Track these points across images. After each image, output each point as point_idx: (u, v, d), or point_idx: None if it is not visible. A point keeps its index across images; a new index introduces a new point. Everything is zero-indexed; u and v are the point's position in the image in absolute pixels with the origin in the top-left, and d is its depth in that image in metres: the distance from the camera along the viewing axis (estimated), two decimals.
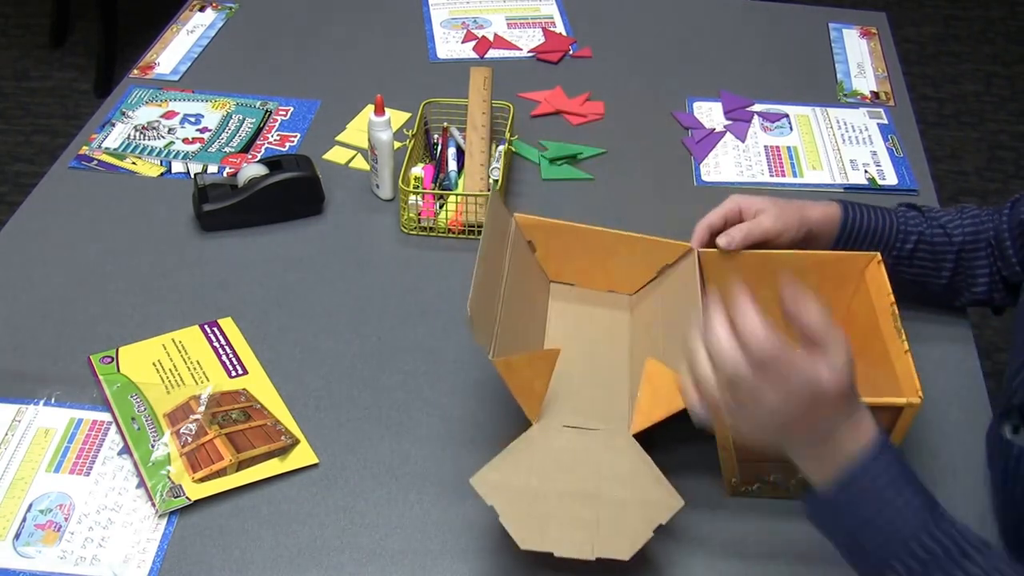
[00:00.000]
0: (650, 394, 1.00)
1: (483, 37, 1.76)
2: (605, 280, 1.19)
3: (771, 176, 1.46)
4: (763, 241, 1.11)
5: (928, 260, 1.16)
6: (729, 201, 1.14)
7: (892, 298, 1.04)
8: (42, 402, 1.12)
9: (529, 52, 1.73)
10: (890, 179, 1.45)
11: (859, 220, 1.15)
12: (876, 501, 0.80)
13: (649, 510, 0.93)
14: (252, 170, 1.36)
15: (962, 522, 0.82)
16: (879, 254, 1.10)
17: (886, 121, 1.57)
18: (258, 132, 1.53)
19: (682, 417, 0.98)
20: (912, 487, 0.81)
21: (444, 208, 1.36)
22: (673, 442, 1.02)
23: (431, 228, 1.36)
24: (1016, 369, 0.99)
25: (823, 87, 1.65)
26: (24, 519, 1.01)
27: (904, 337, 1.00)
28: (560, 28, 1.79)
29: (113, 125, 1.54)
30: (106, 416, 1.11)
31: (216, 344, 1.19)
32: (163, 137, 1.52)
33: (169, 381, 1.14)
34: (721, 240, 1.11)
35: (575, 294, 1.20)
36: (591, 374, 1.11)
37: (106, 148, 1.49)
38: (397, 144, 1.42)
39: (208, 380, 1.14)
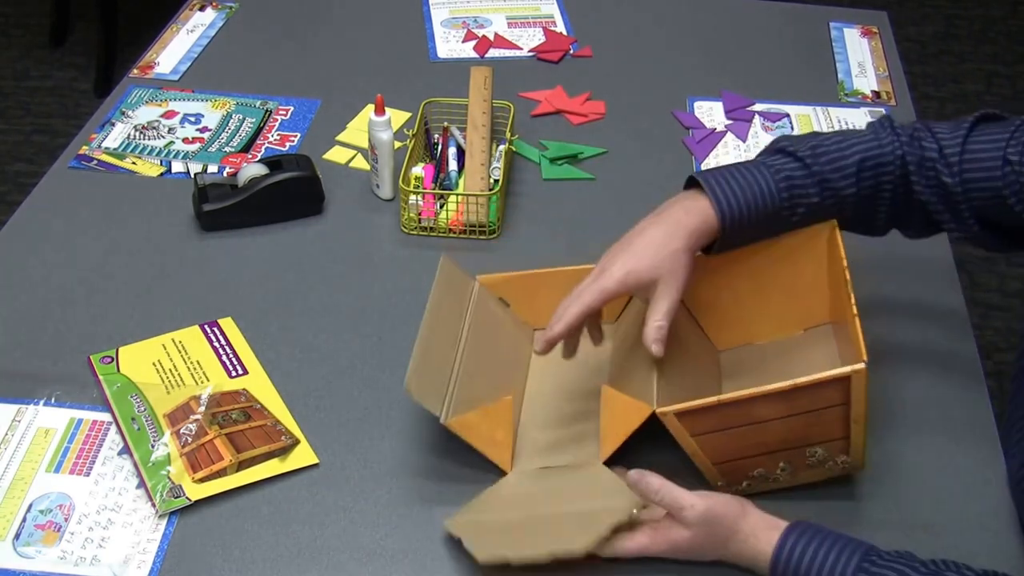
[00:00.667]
0: (609, 419, 1.01)
1: (483, 36, 1.76)
2: None
3: None
4: None
5: (820, 219, 1.08)
6: (610, 279, 0.99)
7: (845, 263, 1.02)
8: (42, 402, 1.12)
9: (530, 51, 1.73)
10: None
11: (736, 224, 1.03)
12: (803, 573, 0.90)
13: (610, 513, 0.94)
14: (252, 170, 1.36)
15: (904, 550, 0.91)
16: (835, 221, 1.07)
17: None
18: (258, 132, 1.53)
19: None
20: (836, 545, 0.90)
21: (444, 208, 1.36)
22: (667, 443, 1.01)
23: (431, 228, 1.35)
24: None
25: (824, 86, 1.65)
26: (24, 519, 1.00)
27: (853, 301, 0.98)
28: (561, 27, 1.79)
29: (113, 125, 1.54)
30: (106, 416, 1.11)
31: (216, 344, 1.19)
32: (163, 137, 1.51)
33: (169, 381, 1.14)
34: (654, 348, 0.98)
35: None
36: (571, 409, 1.11)
37: (106, 148, 1.49)
38: (397, 144, 1.42)
39: (208, 380, 1.14)
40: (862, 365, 0.91)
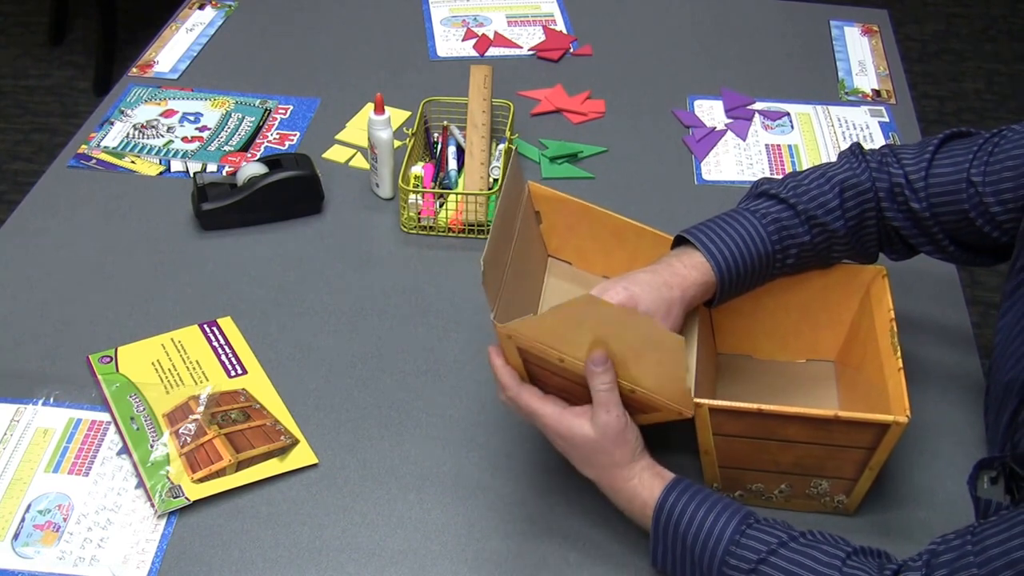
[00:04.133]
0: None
1: (483, 35, 1.75)
2: (603, 265, 1.17)
3: (772, 175, 1.46)
4: None
5: (813, 261, 1.08)
6: (614, 298, 0.97)
7: (892, 314, 1.03)
8: (41, 402, 1.11)
9: (529, 50, 1.73)
10: None
11: (734, 277, 1.02)
12: (684, 526, 0.90)
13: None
14: (251, 169, 1.36)
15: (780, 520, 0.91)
16: (884, 269, 1.08)
17: (887, 119, 1.57)
18: (257, 131, 1.52)
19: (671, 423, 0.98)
20: (718, 505, 0.90)
21: (444, 207, 1.35)
22: (661, 446, 1.01)
23: (431, 227, 1.35)
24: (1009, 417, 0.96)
25: (824, 85, 1.65)
26: (23, 519, 1.00)
27: (899, 355, 0.98)
28: (560, 26, 1.79)
29: (112, 124, 1.53)
30: (105, 416, 1.10)
31: (215, 344, 1.19)
32: (162, 136, 1.51)
33: (168, 381, 1.14)
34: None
35: (570, 274, 1.18)
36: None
37: (105, 147, 1.49)
38: (397, 143, 1.42)
39: (207, 380, 1.14)
40: (905, 419, 0.92)
